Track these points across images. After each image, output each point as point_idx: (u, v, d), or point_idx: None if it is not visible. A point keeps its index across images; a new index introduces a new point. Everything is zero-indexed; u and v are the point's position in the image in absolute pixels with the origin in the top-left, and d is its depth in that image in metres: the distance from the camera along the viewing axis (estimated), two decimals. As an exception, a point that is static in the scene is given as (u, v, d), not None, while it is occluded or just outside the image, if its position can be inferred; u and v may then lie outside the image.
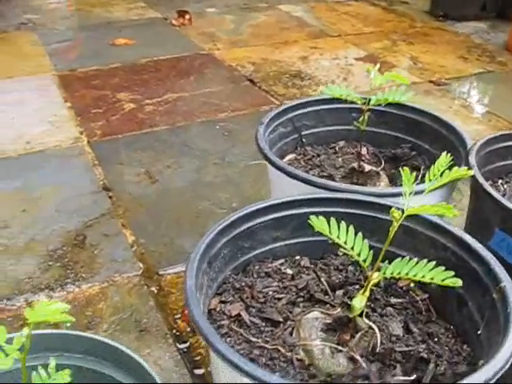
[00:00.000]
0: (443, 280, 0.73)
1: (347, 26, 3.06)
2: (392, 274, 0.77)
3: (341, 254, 0.99)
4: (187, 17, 3.03)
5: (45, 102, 2.20)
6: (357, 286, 0.93)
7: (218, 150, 1.89)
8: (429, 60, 2.61)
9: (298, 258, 0.99)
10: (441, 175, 0.80)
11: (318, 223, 0.79)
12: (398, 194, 0.98)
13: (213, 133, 1.99)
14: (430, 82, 2.37)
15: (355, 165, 1.25)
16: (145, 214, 1.60)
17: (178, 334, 1.22)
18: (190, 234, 1.51)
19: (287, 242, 0.98)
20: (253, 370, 0.67)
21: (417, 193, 0.83)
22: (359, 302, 0.79)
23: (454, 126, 1.23)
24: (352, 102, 1.29)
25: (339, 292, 0.92)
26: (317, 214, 0.95)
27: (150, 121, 2.06)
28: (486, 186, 1.01)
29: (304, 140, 1.33)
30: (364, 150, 1.34)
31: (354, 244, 0.79)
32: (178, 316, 1.26)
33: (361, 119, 1.16)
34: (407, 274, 0.76)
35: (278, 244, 0.96)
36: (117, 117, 2.09)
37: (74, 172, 1.78)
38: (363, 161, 1.30)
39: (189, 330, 1.24)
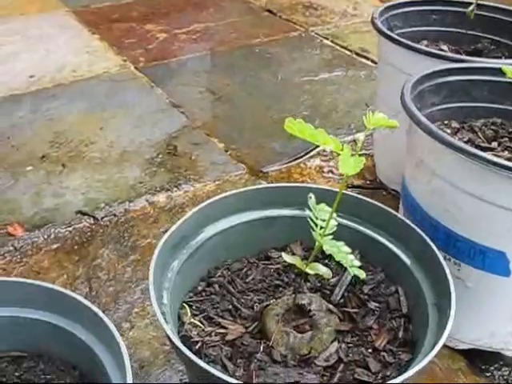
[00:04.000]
0: None
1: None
2: None
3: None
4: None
5: (72, 36, 2.18)
6: (505, 139, 1.06)
7: (267, 70, 1.96)
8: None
9: (446, 122, 1.10)
10: None
11: (509, 71, 0.90)
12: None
13: (255, 56, 2.06)
14: None
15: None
16: (223, 124, 1.66)
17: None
18: (275, 137, 1.59)
19: (439, 107, 1.09)
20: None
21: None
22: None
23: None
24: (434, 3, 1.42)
25: (494, 143, 1.05)
26: (464, 80, 1.08)
27: (189, 48, 2.09)
28: None
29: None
30: (445, 47, 1.47)
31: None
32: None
33: (470, 8, 1.28)
34: None
35: (433, 108, 1.07)
36: (154, 45, 2.11)
37: (135, 93, 1.80)
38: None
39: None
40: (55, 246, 1.23)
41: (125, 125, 1.64)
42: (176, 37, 2.17)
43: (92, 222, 1.30)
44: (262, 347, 0.79)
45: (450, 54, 1.20)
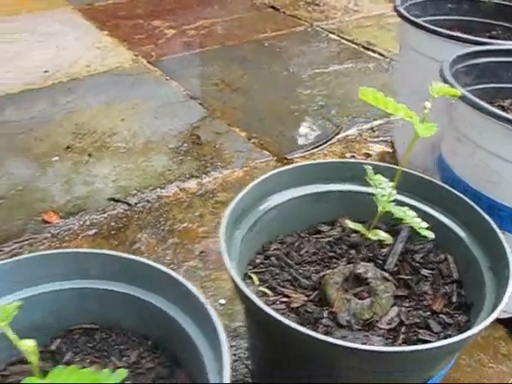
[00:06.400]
0: None
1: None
2: None
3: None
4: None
5: (81, 32, 2.20)
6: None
7: (278, 62, 2.00)
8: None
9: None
10: None
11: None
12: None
13: (264, 50, 2.09)
14: None
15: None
16: (242, 115, 1.69)
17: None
18: (295, 127, 1.63)
19: (470, 88, 1.13)
20: None
21: None
22: None
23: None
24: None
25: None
26: (492, 62, 1.13)
27: (199, 43, 2.12)
28: None
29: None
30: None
31: None
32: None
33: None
34: None
35: (466, 88, 1.11)
36: (163, 41, 2.13)
37: (151, 86, 1.83)
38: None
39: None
40: (92, 232, 1.25)
41: (145, 116, 1.66)
42: (184, 32, 2.20)
43: (126, 208, 1.32)
44: (325, 313, 0.82)
45: (477, 38, 1.24)
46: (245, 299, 0.73)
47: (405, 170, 0.97)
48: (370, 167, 0.83)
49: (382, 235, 0.82)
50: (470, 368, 0.99)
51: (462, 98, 0.92)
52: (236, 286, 0.74)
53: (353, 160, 1.16)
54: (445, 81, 0.97)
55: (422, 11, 1.51)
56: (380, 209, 0.79)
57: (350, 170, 0.96)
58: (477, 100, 0.90)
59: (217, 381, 0.64)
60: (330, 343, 0.65)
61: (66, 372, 0.54)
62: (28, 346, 0.55)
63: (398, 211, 0.76)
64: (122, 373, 0.59)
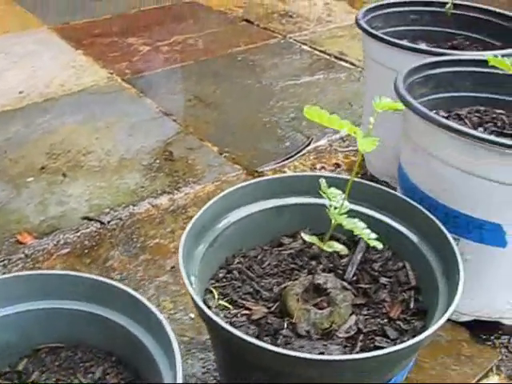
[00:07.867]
0: None
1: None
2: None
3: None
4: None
5: (56, 52, 2.22)
6: (490, 124, 1.14)
7: (251, 76, 2.03)
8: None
9: (435, 111, 1.17)
10: None
11: (493, 60, 0.98)
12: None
13: (238, 63, 2.13)
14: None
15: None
16: (215, 129, 1.72)
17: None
18: (267, 139, 1.66)
19: (427, 98, 1.17)
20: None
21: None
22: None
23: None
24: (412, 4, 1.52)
25: (480, 129, 1.13)
26: (449, 72, 1.16)
27: (173, 58, 2.15)
28: None
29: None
30: (424, 45, 1.56)
31: None
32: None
33: (447, 6, 1.37)
34: None
35: (423, 99, 1.15)
36: (138, 58, 2.16)
37: (125, 104, 1.85)
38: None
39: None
40: (66, 251, 1.27)
41: (119, 134, 1.69)
42: (159, 49, 2.23)
43: (99, 226, 1.34)
44: (285, 324, 0.85)
45: (432, 49, 1.28)
46: (201, 313, 0.76)
47: (360, 180, 1.00)
48: (324, 180, 0.86)
49: (337, 246, 0.85)
50: (434, 371, 1.02)
51: (413, 109, 0.95)
52: (193, 301, 0.76)
53: (309, 173, 1.19)
54: (397, 92, 1.00)
55: (385, 23, 1.54)
56: (333, 221, 0.82)
57: (307, 183, 0.98)
58: (425, 110, 0.93)
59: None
60: (276, 352, 0.67)
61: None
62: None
63: (348, 223, 0.79)
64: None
